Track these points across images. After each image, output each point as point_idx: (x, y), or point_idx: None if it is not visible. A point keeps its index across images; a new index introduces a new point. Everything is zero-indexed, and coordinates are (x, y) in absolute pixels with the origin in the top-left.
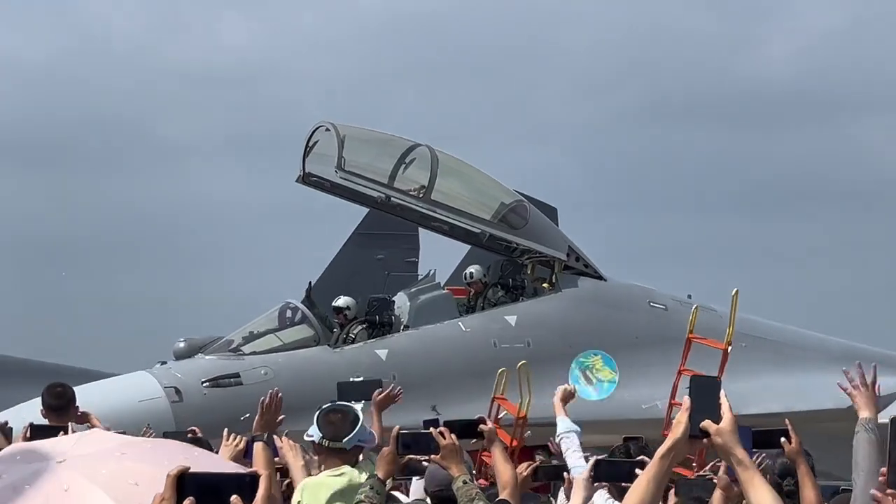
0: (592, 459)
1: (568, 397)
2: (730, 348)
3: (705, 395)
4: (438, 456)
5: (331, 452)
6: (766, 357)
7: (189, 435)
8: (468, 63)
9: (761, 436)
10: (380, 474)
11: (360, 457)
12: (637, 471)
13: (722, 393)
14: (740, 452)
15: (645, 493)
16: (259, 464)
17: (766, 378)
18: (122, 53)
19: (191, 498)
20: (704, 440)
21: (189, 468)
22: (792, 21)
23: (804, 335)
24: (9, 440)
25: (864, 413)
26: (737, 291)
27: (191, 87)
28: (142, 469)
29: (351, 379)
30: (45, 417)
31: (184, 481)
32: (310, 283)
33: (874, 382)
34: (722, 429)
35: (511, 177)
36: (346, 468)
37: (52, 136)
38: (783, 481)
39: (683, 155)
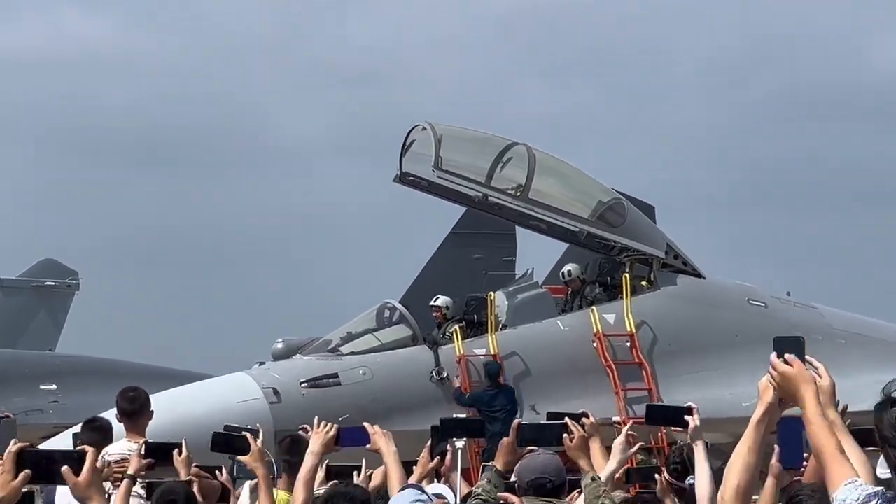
0: (516, 422)
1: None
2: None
3: (790, 354)
4: (573, 446)
5: None
6: (866, 354)
7: (301, 432)
8: (587, 62)
9: (859, 434)
10: (498, 466)
11: None
12: (565, 436)
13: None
14: (832, 413)
15: (746, 461)
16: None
17: (865, 375)
18: (244, 52)
19: (27, 471)
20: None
21: (28, 445)
22: None
23: None
24: (109, 439)
25: None
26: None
27: (307, 87)
28: None
29: (455, 416)
30: (120, 422)
31: (22, 457)
32: None
33: None
34: (822, 385)
35: (620, 175)
36: None
37: (169, 135)
38: None
39: (784, 153)
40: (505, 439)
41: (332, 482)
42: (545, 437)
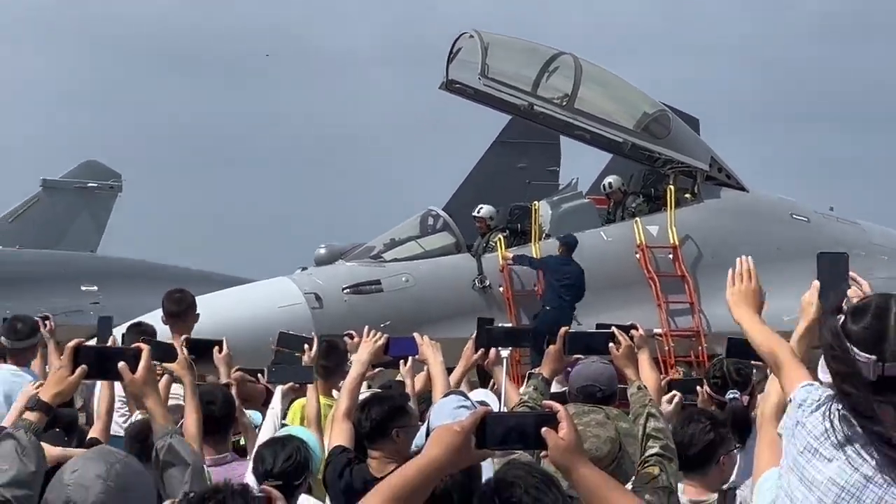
0: (563, 329)
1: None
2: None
3: (833, 271)
4: (619, 355)
5: None
6: None
7: (346, 338)
8: None
9: None
10: (545, 373)
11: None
12: (611, 344)
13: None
14: None
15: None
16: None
17: None
18: None
19: (83, 366)
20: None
21: (84, 341)
22: None
23: None
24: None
25: None
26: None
27: None
28: None
29: (499, 324)
30: (166, 323)
31: (79, 352)
32: None
33: None
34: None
35: (665, 90)
36: None
37: (217, 41)
38: None
39: (829, 70)
40: (552, 347)
41: (378, 370)
42: (591, 346)
